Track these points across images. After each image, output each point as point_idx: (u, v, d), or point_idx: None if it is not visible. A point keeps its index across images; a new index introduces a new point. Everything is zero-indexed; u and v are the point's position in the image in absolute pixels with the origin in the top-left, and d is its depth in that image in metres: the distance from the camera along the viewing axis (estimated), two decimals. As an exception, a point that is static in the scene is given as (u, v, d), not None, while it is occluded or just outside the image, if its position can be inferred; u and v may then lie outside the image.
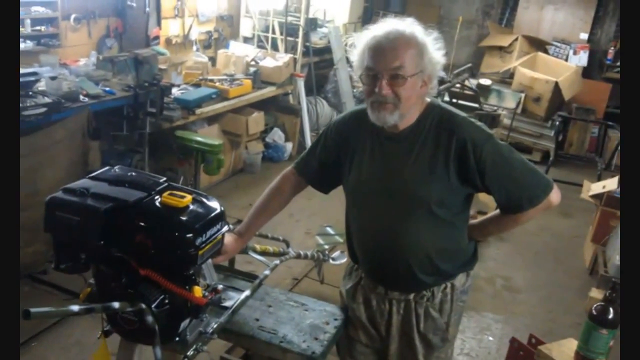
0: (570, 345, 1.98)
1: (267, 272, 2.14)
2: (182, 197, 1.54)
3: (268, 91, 5.69)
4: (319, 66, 6.76)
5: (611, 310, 1.81)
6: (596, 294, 3.67)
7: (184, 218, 1.51)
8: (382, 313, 1.89)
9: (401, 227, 1.75)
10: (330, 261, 3.29)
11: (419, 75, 1.66)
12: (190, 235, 1.48)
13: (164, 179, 1.68)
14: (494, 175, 1.70)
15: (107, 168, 1.71)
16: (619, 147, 5.91)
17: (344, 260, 3.21)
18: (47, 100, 3.51)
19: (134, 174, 1.68)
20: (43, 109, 3.42)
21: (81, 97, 3.80)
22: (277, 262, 2.32)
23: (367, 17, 7.84)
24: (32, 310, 1.14)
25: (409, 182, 1.72)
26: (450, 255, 1.84)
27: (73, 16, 4.42)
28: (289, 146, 6.12)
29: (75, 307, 1.33)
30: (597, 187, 4.53)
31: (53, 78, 3.71)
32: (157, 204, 1.54)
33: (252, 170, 5.66)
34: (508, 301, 3.93)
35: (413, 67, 1.64)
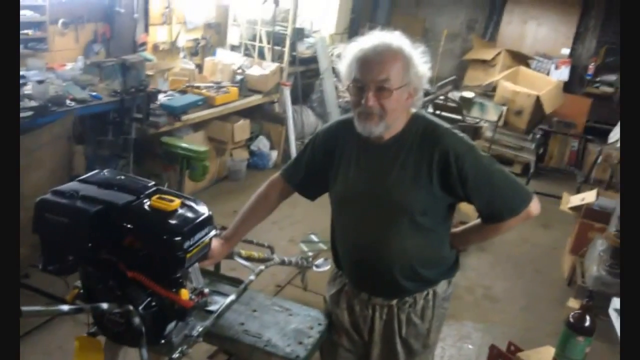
0: (548, 352, 2.03)
1: (252, 277, 2.16)
2: (171, 200, 1.57)
3: (254, 99, 5.72)
4: (305, 75, 6.81)
5: (588, 318, 1.86)
6: (574, 303, 3.74)
7: (172, 221, 1.53)
8: (365, 319, 1.92)
9: (385, 234, 1.79)
10: (314, 268, 3.31)
11: (404, 88, 1.71)
12: (179, 238, 1.51)
13: (153, 182, 1.70)
14: (475, 185, 1.74)
15: (96, 171, 1.73)
16: (619, 157, 5.94)
17: (328, 267, 3.23)
18: (33, 104, 3.51)
19: (123, 177, 1.70)
20: (29, 113, 3.42)
21: (67, 101, 3.80)
22: (262, 267, 2.34)
23: (353, 28, 7.92)
24: (23, 308, 1.16)
25: (393, 191, 1.76)
26: (433, 263, 1.88)
27: (61, 21, 4.41)
28: (274, 154, 6.15)
29: (64, 307, 1.35)
30: (576, 200, 4.62)
31: (40, 82, 3.71)
32: (146, 207, 1.56)
33: (236, 178, 5.67)
34: (488, 310, 3.98)
35: (399, 80, 1.68)
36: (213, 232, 1.68)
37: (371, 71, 1.67)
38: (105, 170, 1.74)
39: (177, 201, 1.58)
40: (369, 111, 1.69)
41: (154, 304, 1.56)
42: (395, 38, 1.72)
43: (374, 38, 1.72)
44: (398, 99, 1.70)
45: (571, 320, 1.87)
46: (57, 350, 2.97)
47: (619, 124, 6.83)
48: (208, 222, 1.63)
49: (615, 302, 2.55)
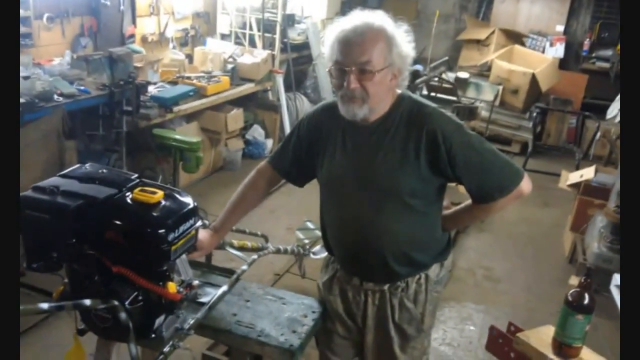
0: (548, 331, 2.00)
1: (244, 267, 2.13)
2: (154, 192, 1.53)
3: (247, 88, 5.67)
4: (298, 62, 6.74)
5: (586, 296, 1.83)
6: (575, 281, 3.71)
7: (155, 214, 1.50)
8: (358, 304, 1.90)
9: (374, 218, 1.76)
10: (311, 255, 3.29)
11: (387, 69, 1.66)
12: (162, 231, 1.48)
13: (136, 175, 1.66)
14: (464, 165, 1.70)
15: (77, 166, 1.69)
16: (619, 144, 5.90)
17: (325, 254, 3.19)
18: (20, 100, 3.46)
19: (104, 171, 1.66)
20: (16, 110, 3.37)
21: (55, 96, 3.75)
22: (255, 257, 2.32)
23: (344, 12, 7.78)
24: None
25: (381, 173, 1.72)
26: (424, 246, 1.84)
27: (46, 15, 4.34)
28: (269, 143, 6.10)
29: (45, 305, 1.32)
30: (574, 177, 4.58)
31: (26, 78, 3.66)
32: (128, 200, 1.53)
33: (232, 168, 5.64)
34: (489, 291, 3.96)
35: (381, 61, 1.64)
36: (199, 223, 1.65)
37: (352, 53, 1.63)
38: (87, 165, 1.70)
39: (160, 193, 1.54)
40: (351, 94, 1.65)
41: (140, 298, 1.53)
42: (377, 17, 1.68)
43: (355, 18, 1.68)
44: (381, 80, 1.65)
45: (570, 298, 1.84)
46: (55, 347, 2.95)
47: (616, 99, 6.78)
48: (193, 213, 1.60)
49: (616, 278, 2.52)
